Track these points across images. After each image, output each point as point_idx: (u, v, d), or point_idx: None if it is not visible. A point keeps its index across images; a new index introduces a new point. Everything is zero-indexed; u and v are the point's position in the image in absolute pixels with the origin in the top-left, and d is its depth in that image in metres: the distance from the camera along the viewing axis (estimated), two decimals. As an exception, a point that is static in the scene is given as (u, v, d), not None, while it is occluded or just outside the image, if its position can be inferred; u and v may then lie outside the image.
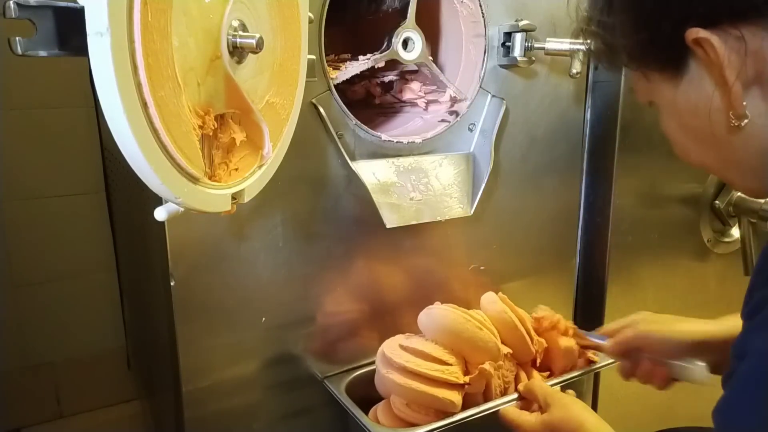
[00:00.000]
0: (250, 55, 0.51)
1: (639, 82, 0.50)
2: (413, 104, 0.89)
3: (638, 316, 0.74)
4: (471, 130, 0.83)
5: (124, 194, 1.09)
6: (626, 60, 0.49)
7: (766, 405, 0.37)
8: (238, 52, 0.49)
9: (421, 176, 0.79)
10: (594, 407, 1.02)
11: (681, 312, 1.07)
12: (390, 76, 0.88)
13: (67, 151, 1.26)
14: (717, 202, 1.03)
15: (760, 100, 0.42)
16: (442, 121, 0.83)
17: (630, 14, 0.46)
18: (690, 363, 0.70)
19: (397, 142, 0.77)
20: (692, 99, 0.45)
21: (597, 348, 0.78)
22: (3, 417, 1.29)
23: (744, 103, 0.42)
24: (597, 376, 1.01)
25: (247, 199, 0.56)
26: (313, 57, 0.67)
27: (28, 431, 1.32)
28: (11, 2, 0.39)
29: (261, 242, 0.70)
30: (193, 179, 0.47)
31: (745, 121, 0.42)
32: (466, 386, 0.71)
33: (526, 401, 0.73)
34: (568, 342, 0.81)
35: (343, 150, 0.72)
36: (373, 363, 0.76)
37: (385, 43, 0.75)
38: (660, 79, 0.47)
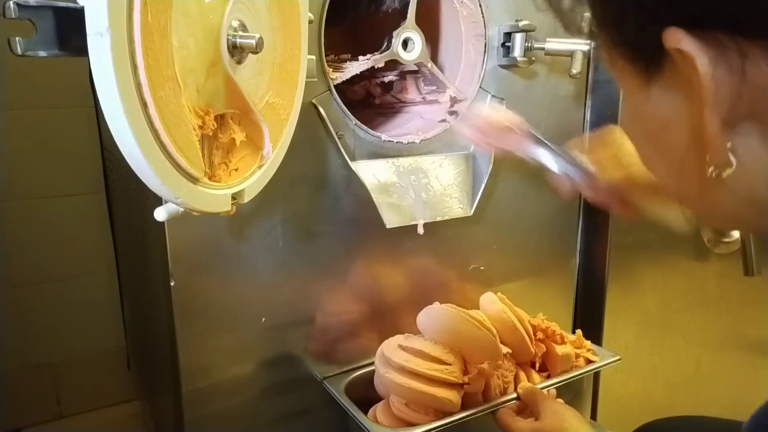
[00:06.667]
0: (250, 55, 0.51)
1: (604, 55, 0.35)
2: (413, 104, 0.89)
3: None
4: (471, 130, 0.83)
5: (124, 194, 1.09)
6: (595, 26, 0.33)
7: None
8: (238, 52, 0.49)
9: (421, 176, 0.79)
10: (594, 407, 1.02)
11: (681, 312, 1.08)
12: (390, 76, 0.88)
13: (67, 151, 1.26)
14: (717, 202, 1.03)
15: (757, 138, 0.29)
16: (442, 121, 0.83)
17: None
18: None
19: (397, 142, 0.77)
20: (662, 114, 0.32)
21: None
22: (3, 417, 1.29)
23: (728, 145, 0.29)
24: (597, 376, 1.01)
25: (247, 199, 0.56)
26: (313, 57, 0.67)
27: (28, 431, 1.32)
28: (11, 2, 0.39)
29: (261, 242, 0.70)
30: (193, 179, 0.47)
31: (728, 171, 0.29)
32: (465, 386, 0.71)
33: (523, 403, 0.74)
34: (564, 349, 0.81)
35: (343, 150, 0.72)
36: (372, 363, 0.76)
37: (385, 44, 0.75)
38: (628, 70, 0.33)
